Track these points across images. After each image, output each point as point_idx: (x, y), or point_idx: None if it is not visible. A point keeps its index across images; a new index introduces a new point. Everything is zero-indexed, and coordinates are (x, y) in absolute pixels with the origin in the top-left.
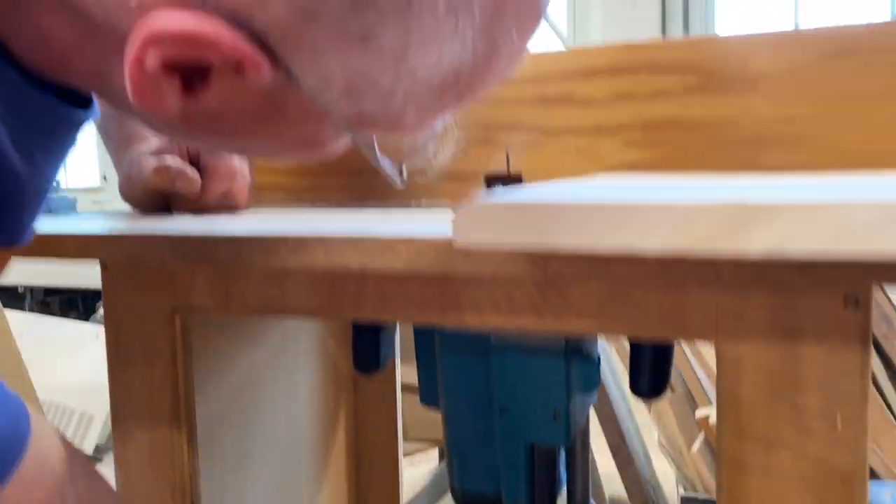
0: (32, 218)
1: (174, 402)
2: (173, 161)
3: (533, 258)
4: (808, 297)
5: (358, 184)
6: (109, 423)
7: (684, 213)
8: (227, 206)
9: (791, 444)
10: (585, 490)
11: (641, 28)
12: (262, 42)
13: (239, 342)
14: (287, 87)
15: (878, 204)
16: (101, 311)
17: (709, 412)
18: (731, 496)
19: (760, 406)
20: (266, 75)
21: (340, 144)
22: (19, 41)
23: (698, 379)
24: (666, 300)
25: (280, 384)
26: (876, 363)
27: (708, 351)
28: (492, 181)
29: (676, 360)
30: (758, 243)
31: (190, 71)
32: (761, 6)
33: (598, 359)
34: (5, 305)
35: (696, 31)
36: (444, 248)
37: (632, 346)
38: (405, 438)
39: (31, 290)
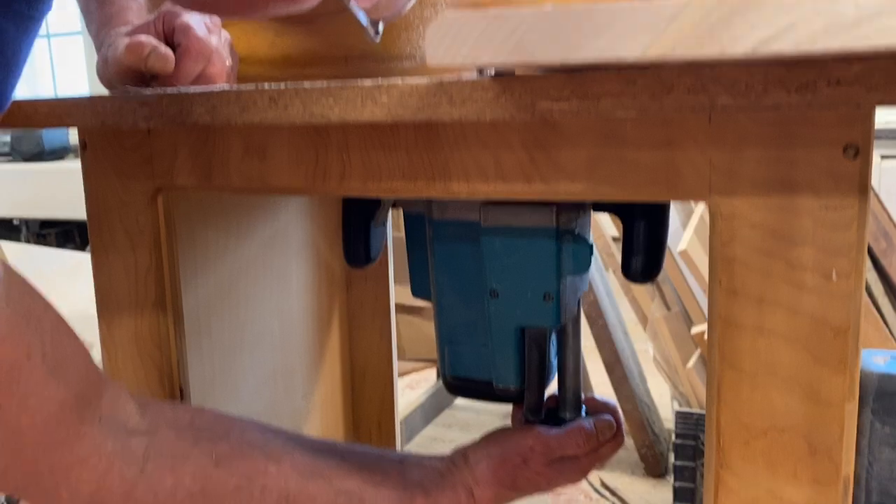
0: (5, 85)
1: (159, 286)
2: (146, 39)
3: (519, 99)
4: (805, 148)
5: (344, 73)
6: None
7: (666, 13)
8: (204, 87)
9: (784, 301)
10: (577, 378)
11: None
12: None
13: (227, 236)
14: None
15: None
16: None
17: (704, 328)
18: (722, 358)
19: (754, 264)
20: None
21: None
22: None
23: (694, 296)
24: (658, 159)
25: (271, 280)
26: (873, 277)
27: (705, 267)
28: None
29: (673, 278)
30: (744, 41)
31: None
32: None
33: (591, 244)
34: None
35: None
36: (427, 91)
37: (625, 227)
38: (404, 358)
39: (27, 222)
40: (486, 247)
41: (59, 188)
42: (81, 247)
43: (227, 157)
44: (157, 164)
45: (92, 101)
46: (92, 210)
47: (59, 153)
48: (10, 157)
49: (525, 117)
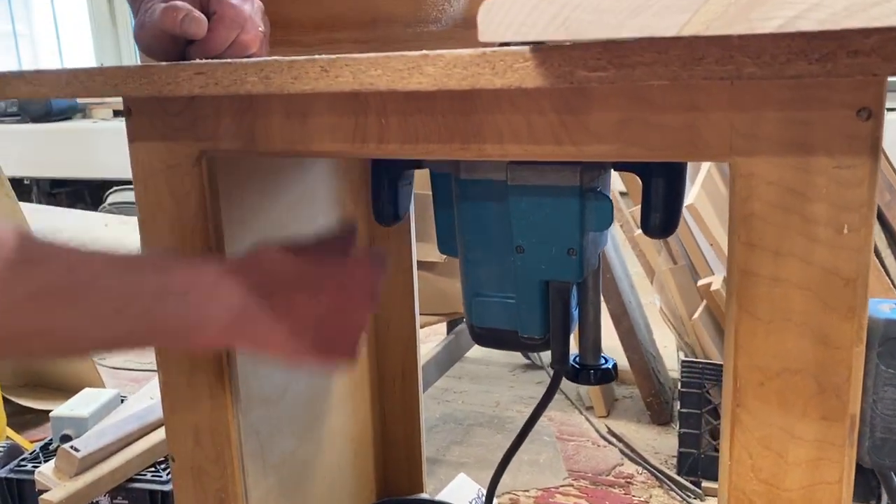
0: None
1: (205, 245)
2: (182, 4)
3: (558, 68)
4: (821, 110)
5: (372, 37)
6: None
7: None
8: (238, 54)
9: (798, 253)
10: (597, 328)
11: None
12: None
13: (262, 196)
14: None
15: None
16: (109, 201)
17: (710, 280)
18: (740, 306)
19: (770, 218)
20: None
21: None
22: None
23: (700, 249)
24: (683, 121)
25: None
26: (875, 229)
27: (712, 221)
28: None
29: (679, 232)
30: (771, 20)
31: None
32: None
33: (612, 201)
34: None
35: None
36: (471, 62)
37: (644, 185)
38: None
39: (38, 182)
40: (513, 205)
41: (68, 148)
42: (93, 206)
43: (269, 121)
44: (200, 128)
45: (147, 69)
46: (138, 173)
47: (66, 113)
48: (19, 118)
49: (564, 85)
